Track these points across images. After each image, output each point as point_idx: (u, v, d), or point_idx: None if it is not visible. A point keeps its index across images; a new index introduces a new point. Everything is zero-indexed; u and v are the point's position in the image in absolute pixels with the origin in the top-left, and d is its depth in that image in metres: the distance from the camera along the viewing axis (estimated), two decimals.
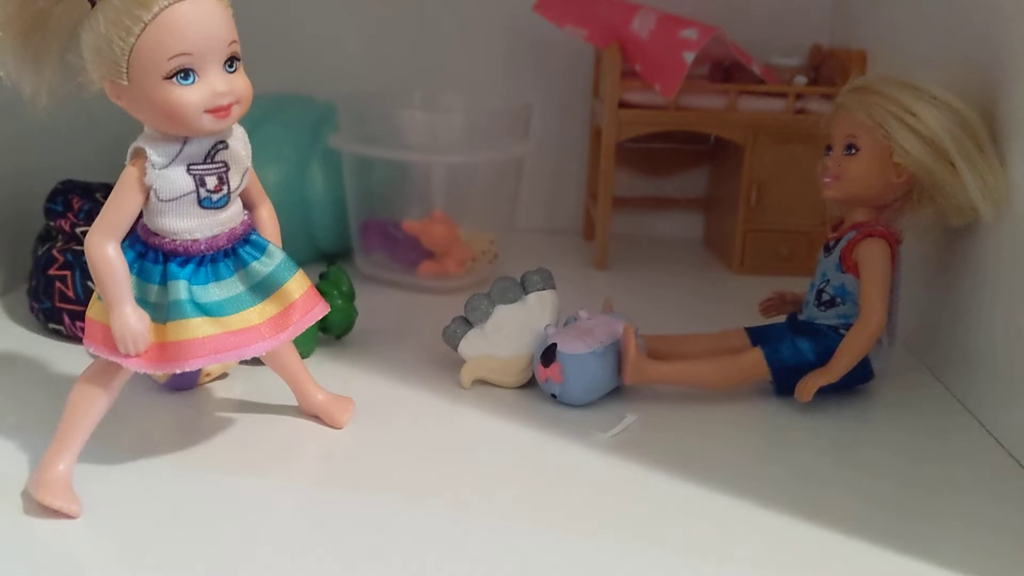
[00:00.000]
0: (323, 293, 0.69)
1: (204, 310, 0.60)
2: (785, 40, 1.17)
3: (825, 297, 0.78)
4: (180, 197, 0.59)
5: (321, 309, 0.65)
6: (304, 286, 0.64)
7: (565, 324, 0.79)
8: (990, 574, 0.57)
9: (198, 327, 0.59)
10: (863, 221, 0.77)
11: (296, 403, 0.74)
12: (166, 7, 0.54)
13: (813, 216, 1.09)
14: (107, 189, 0.89)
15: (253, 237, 0.63)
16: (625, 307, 0.85)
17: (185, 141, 0.58)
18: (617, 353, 0.77)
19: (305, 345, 0.81)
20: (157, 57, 0.55)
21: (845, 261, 0.76)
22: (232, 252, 0.62)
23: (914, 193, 0.77)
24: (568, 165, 1.27)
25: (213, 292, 0.61)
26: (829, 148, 0.78)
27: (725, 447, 0.72)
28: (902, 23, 0.98)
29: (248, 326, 0.61)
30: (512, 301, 0.79)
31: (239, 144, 0.61)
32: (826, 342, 0.76)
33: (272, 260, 0.63)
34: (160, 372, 0.59)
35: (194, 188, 0.59)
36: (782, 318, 0.84)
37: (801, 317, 0.81)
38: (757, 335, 0.81)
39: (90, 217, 0.83)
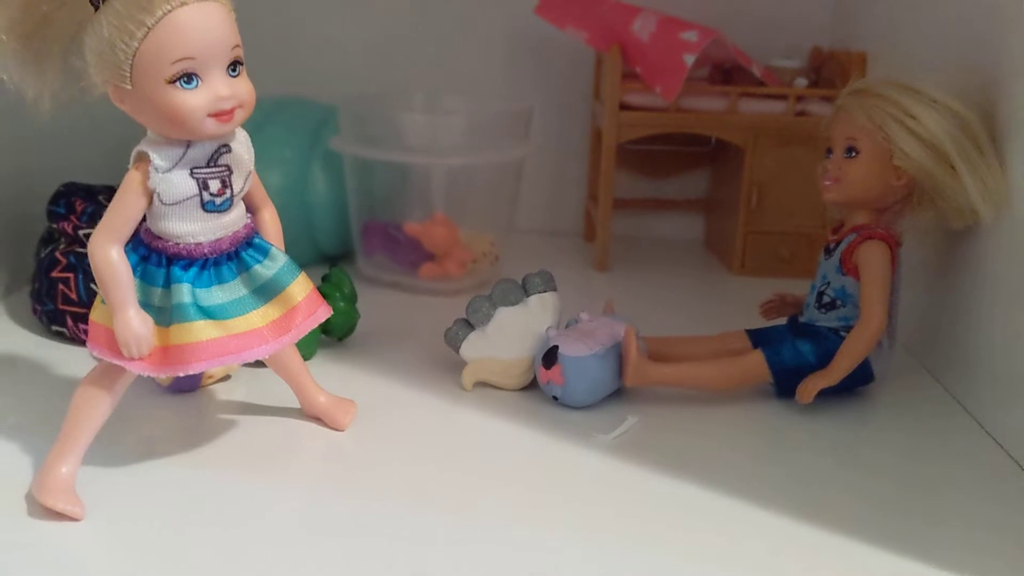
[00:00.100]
0: (325, 295, 0.70)
1: (207, 313, 0.60)
2: (785, 42, 1.17)
3: (826, 299, 0.78)
4: (183, 201, 0.59)
5: (324, 312, 0.65)
6: (307, 289, 0.64)
7: (566, 326, 0.80)
8: (989, 574, 0.57)
9: (201, 330, 0.59)
10: (863, 224, 0.77)
11: (298, 405, 0.74)
12: (169, 11, 0.54)
13: (814, 218, 1.09)
14: (109, 191, 0.89)
15: (256, 240, 0.64)
16: (626, 308, 0.85)
17: (188, 145, 0.59)
18: (618, 355, 0.77)
19: (307, 347, 0.81)
20: (160, 61, 0.55)
21: (845, 263, 0.77)
22: (235, 255, 0.62)
23: (914, 196, 0.77)
24: (569, 167, 1.27)
25: (216, 295, 0.61)
26: (829, 151, 0.79)
27: (726, 448, 0.72)
28: (902, 25, 0.99)
29: (251, 329, 0.61)
30: (513, 303, 0.79)
31: (242, 148, 0.61)
32: (827, 344, 0.76)
33: (275, 263, 0.63)
34: (163, 375, 0.60)
35: (197, 192, 0.59)
36: (783, 320, 0.84)
37: (802, 319, 0.81)
38: (758, 337, 0.82)
39: (93, 219, 0.83)
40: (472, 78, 1.23)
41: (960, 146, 0.74)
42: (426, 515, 0.61)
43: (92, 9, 0.56)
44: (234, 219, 0.62)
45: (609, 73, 1.07)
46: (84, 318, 0.81)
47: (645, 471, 0.67)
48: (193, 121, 0.57)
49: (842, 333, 0.76)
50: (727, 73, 1.14)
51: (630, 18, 1.08)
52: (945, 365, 0.83)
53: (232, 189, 0.61)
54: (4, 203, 0.95)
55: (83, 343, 0.80)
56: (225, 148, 0.60)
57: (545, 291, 0.79)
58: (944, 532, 0.61)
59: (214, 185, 0.60)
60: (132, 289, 0.59)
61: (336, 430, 0.72)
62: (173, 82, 0.56)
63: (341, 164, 1.04)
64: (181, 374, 0.59)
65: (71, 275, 0.84)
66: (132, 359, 0.59)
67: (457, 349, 0.80)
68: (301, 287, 0.64)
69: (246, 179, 0.62)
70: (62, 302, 0.84)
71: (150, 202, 0.59)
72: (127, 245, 0.59)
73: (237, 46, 0.58)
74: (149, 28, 0.54)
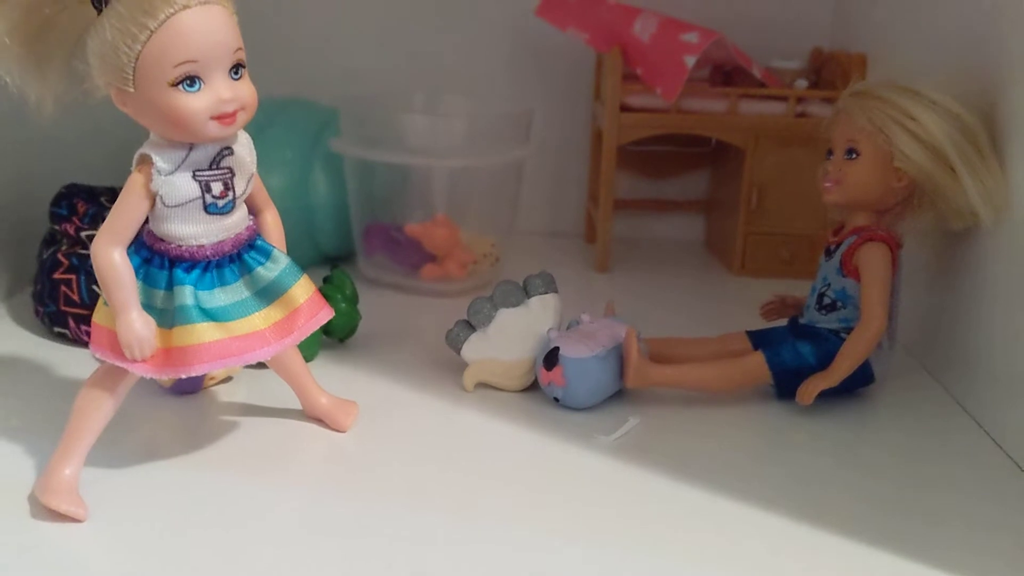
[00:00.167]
0: (327, 296, 0.70)
1: (210, 315, 0.60)
2: (786, 43, 1.17)
3: (826, 301, 0.78)
4: (186, 203, 0.59)
5: (326, 314, 0.66)
6: (309, 291, 0.64)
7: (567, 328, 0.80)
8: (988, 574, 0.57)
9: (204, 332, 0.59)
10: (864, 225, 0.77)
11: (300, 406, 0.74)
12: (172, 15, 0.54)
13: (814, 219, 1.09)
14: (111, 193, 0.90)
15: (258, 242, 0.64)
16: (626, 309, 0.86)
17: (191, 147, 0.59)
18: (619, 357, 0.77)
19: (309, 348, 0.82)
20: (163, 64, 0.55)
21: (846, 265, 0.77)
22: (237, 257, 0.62)
23: (914, 197, 0.77)
24: (569, 168, 1.28)
25: (219, 297, 0.61)
26: (830, 152, 0.79)
27: (726, 449, 0.72)
28: (902, 27, 0.99)
29: (253, 331, 0.61)
30: (515, 305, 0.79)
31: (244, 150, 0.62)
32: (827, 346, 0.77)
33: (277, 265, 0.63)
34: (166, 377, 0.60)
35: (200, 194, 0.59)
36: (783, 321, 0.85)
37: (802, 321, 0.81)
38: (758, 338, 0.82)
39: (95, 221, 0.84)
40: (473, 79, 1.23)
41: (960, 148, 0.74)
42: (427, 516, 0.61)
43: (95, 12, 0.56)
44: (236, 221, 0.62)
45: (610, 74, 1.07)
46: (86, 319, 0.81)
47: (646, 472, 0.68)
48: (196, 124, 0.57)
49: (842, 335, 0.77)
50: (728, 74, 1.14)
51: (631, 19, 1.08)
52: (945, 366, 0.84)
53: (234, 191, 0.61)
54: (6, 205, 0.95)
55: (85, 344, 0.80)
56: (227, 150, 0.60)
57: (546, 292, 0.80)
58: (943, 532, 0.62)
59: (216, 187, 0.60)
60: (135, 291, 0.59)
61: (338, 431, 0.72)
62: (176, 85, 0.56)
63: (342, 165, 1.04)
64: (183, 376, 0.59)
65: (73, 277, 0.84)
66: (134, 361, 0.59)
67: (458, 350, 0.80)
68: (303, 289, 0.64)
69: (248, 181, 0.62)
70: (64, 303, 0.84)
71: (153, 204, 0.59)
72: (129, 247, 0.59)
73: (239, 49, 0.58)
74: (152, 31, 0.54)
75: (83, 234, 0.84)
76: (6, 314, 0.92)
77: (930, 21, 0.91)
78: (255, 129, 0.63)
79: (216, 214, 0.60)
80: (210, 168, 0.60)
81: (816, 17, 1.20)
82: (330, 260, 1.09)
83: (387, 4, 1.22)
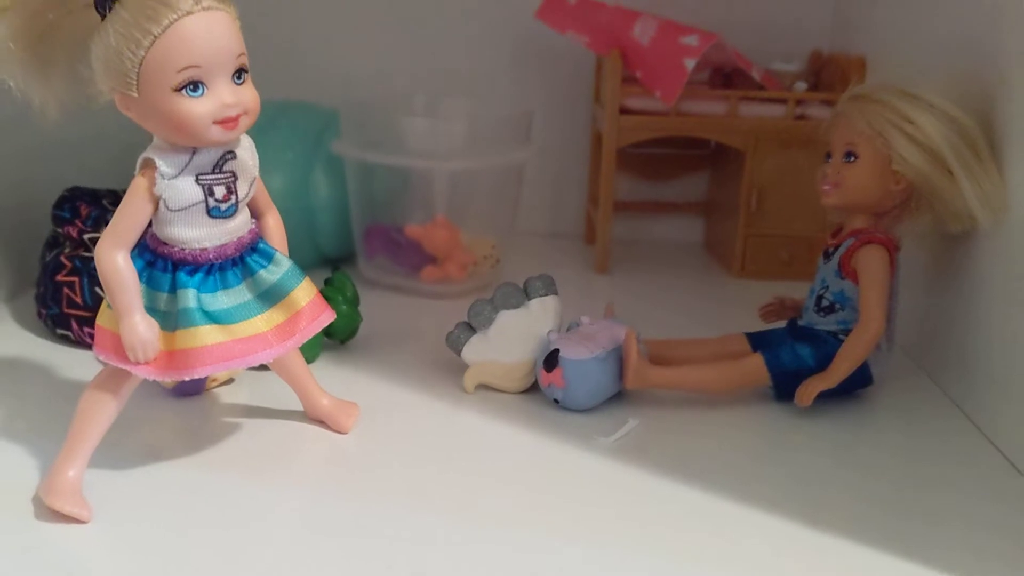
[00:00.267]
0: (328, 299, 0.70)
1: (212, 318, 0.60)
2: (785, 46, 1.17)
3: (825, 303, 0.79)
4: (189, 207, 0.59)
5: (327, 316, 0.66)
6: (311, 294, 0.65)
7: (567, 329, 0.80)
8: (986, 573, 0.58)
9: (207, 335, 0.60)
10: (862, 228, 0.78)
11: (301, 408, 0.74)
12: (176, 20, 0.55)
13: (813, 221, 1.09)
14: (114, 196, 0.90)
15: (260, 245, 0.64)
16: (626, 311, 0.86)
17: (194, 151, 0.59)
18: (619, 358, 0.77)
19: (310, 350, 0.82)
20: (166, 69, 0.55)
21: (844, 267, 0.77)
22: (240, 260, 0.63)
23: (912, 200, 0.78)
24: (569, 170, 1.28)
25: (221, 300, 0.61)
26: (828, 155, 0.79)
27: (726, 450, 0.72)
28: (901, 30, 0.99)
29: (255, 333, 0.62)
30: (515, 307, 0.80)
31: (247, 154, 0.62)
32: (826, 348, 0.77)
33: (279, 268, 0.63)
34: (169, 379, 0.60)
35: (203, 198, 0.60)
36: (782, 323, 0.85)
37: (801, 322, 0.81)
38: (757, 340, 0.82)
39: (98, 224, 0.84)
40: (473, 82, 1.23)
41: (958, 151, 0.74)
42: (427, 516, 0.61)
43: (99, 17, 0.56)
44: (239, 225, 0.62)
45: (609, 77, 1.08)
46: (89, 322, 0.82)
47: (645, 473, 0.68)
48: (199, 128, 0.57)
49: (841, 336, 0.77)
50: (727, 77, 1.15)
51: (630, 22, 1.08)
52: (943, 367, 0.84)
53: (237, 195, 0.61)
54: (9, 208, 0.95)
55: (88, 347, 0.81)
56: (230, 154, 0.61)
57: (546, 295, 0.80)
58: (941, 532, 0.62)
59: (219, 191, 0.60)
60: (138, 294, 0.59)
61: (339, 433, 0.72)
62: (179, 90, 0.56)
63: (343, 168, 1.04)
64: (186, 378, 0.60)
65: (76, 279, 0.84)
66: (138, 363, 0.59)
67: (459, 352, 0.80)
68: (305, 292, 0.64)
69: (251, 185, 0.63)
70: (67, 306, 0.85)
71: (156, 208, 0.59)
72: (133, 251, 0.60)
73: (242, 54, 0.58)
74: (156, 37, 0.55)
75: (86, 237, 0.85)
76: (9, 316, 0.93)
77: (929, 24, 0.92)
78: (256, 131, 0.64)
79: (219, 218, 0.61)
80: (213, 172, 0.60)
81: (815, 20, 1.21)
82: (331, 261, 1.09)
83: (388, 7, 1.22)
